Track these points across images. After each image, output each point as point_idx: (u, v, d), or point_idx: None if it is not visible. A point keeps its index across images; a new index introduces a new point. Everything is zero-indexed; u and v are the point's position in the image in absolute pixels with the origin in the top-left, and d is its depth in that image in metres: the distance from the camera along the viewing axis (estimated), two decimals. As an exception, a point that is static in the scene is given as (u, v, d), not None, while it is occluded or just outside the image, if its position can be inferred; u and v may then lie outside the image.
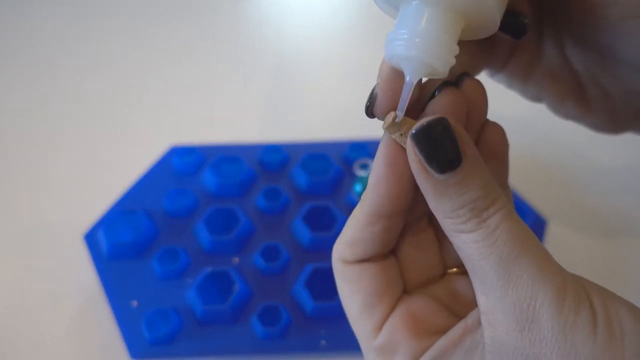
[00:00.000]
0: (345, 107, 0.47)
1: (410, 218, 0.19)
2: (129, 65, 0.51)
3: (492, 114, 0.20)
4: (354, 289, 0.19)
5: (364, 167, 0.36)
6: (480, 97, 0.19)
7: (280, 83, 0.50)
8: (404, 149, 0.17)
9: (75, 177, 0.40)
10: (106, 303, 0.31)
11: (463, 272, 0.19)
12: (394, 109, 0.18)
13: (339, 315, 0.30)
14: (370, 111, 0.19)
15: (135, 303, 0.31)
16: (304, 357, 0.30)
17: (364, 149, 0.38)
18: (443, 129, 0.16)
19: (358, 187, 0.35)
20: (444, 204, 0.17)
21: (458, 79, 0.19)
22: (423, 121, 0.16)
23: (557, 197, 0.41)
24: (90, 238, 0.33)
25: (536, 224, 0.35)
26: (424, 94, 0.19)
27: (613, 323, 0.15)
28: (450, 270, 0.20)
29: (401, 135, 0.17)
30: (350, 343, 0.30)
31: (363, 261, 0.19)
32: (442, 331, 0.18)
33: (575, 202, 0.40)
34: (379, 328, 0.19)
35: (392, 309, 0.19)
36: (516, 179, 0.41)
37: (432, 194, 0.17)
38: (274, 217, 0.35)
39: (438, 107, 0.18)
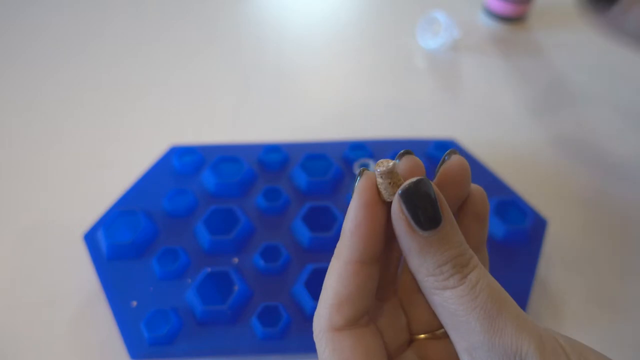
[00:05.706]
0: (345, 107, 0.47)
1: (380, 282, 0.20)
2: (129, 65, 0.51)
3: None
4: None
5: (364, 167, 0.35)
6: (467, 168, 0.20)
7: (280, 83, 0.50)
8: (379, 193, 0.18)
9: (75, 177, 0.40)
10: (106, 303, 0.31)
11: (432, 337, 0.20)
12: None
13: (339, 315, 0.30)
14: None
15: (134, 303, 0.31)
16: (303, 357, 0.30)
17: (364, 149, 0.38)
18: (427, 189, 0.17)
19: (358, 187, 0.35)
20: (428, 261, 0.17)
21: (446, 156, 0.20)
22: (411, 181, 0.17)
23: (557, 197, 0.40)
24: (90, 238, 0.33)
25: (536, 224, 0.35)
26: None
27: None
28: (417, 337, 0.20)
29: (389, 184, 0.18)
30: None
31: (352, 327, 0.18)
32: None
33: (575, 202, 0.40)
34: None
35: None
36: (516, 179, 0.41)
37: (417, 251, 0.18)
38: (274, 217, 0.35)
39: (450, 170, 0.19)
